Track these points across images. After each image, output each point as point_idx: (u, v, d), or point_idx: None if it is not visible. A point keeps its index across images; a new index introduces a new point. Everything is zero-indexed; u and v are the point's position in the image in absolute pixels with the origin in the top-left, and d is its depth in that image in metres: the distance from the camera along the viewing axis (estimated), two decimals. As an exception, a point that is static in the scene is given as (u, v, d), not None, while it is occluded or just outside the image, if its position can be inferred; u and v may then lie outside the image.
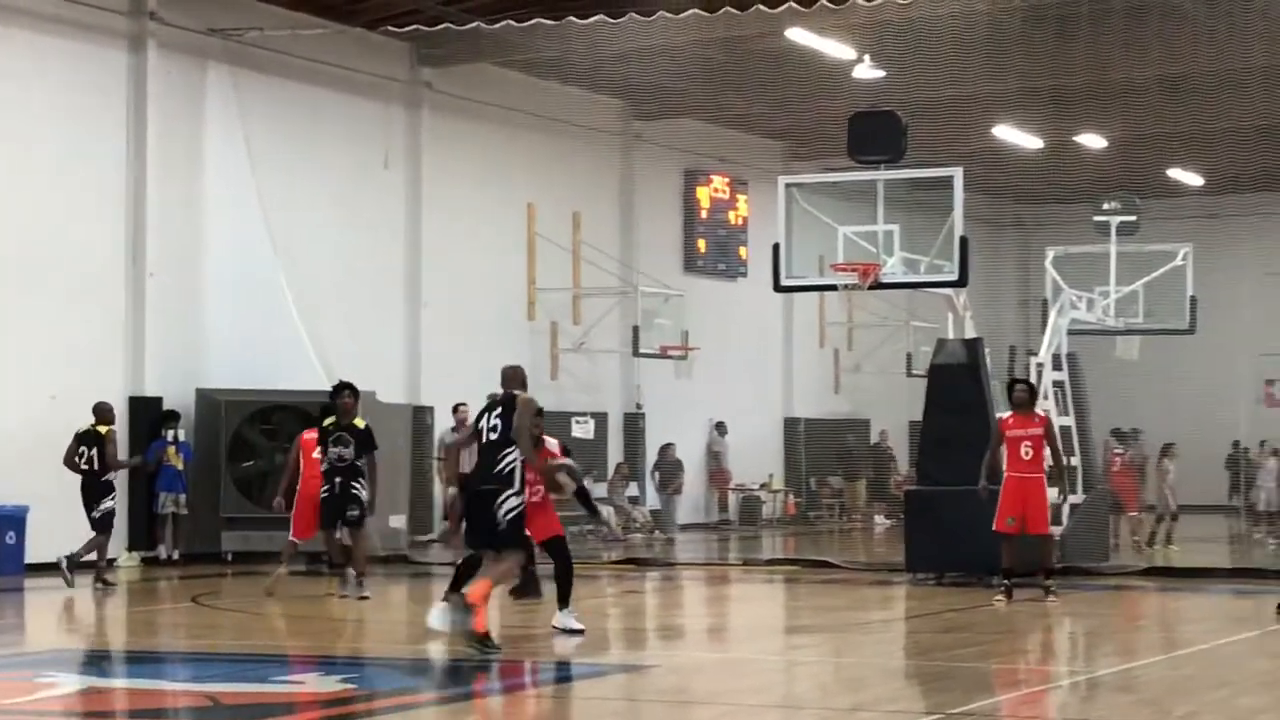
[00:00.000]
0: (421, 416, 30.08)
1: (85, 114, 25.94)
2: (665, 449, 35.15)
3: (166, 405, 26.39)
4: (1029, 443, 20.03)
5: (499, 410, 15.61)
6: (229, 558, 26.20)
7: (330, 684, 14.22)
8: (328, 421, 20.78)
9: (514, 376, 15.95)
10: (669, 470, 35.00)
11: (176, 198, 26.90)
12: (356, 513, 20.55)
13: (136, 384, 26.29)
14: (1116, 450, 30.79)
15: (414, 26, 27.95)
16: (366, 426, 20.74)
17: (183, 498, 26.17)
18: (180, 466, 26.15)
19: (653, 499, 35.12)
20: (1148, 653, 16.11)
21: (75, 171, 25.74)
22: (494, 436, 15.45)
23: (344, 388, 20.90)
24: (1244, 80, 30.88)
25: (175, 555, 26.19)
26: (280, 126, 28.40)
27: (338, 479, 20.53)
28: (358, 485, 20.56)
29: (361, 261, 29.84)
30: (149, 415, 26.20)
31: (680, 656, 16.68)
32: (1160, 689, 14.20)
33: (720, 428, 37.26)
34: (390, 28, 28.47)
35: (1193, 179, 40.10)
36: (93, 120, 26.02)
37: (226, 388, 26.86)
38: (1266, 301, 42.49)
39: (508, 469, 15.31)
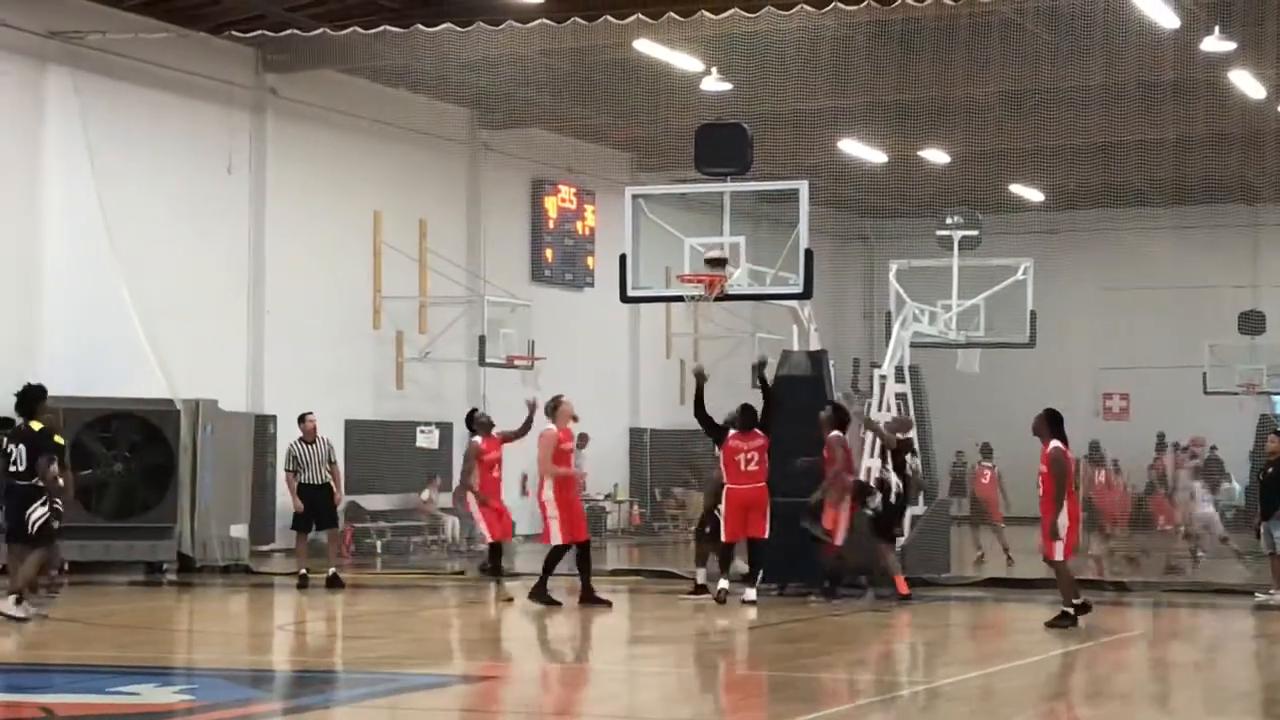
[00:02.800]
0: (264, 425, 29.80)
1: (-79, 115, 25.50)
2: None
3: (2, 413, 25.91)
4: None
5: None
6: (65, 567, 25.76)
7: (167, 695, 14.05)
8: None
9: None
10: None
11: (15, 201, 26.49)
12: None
13: (-29, 390, 25.81)
14: (986, 464, 31.26)
15: (259, 32, 27.72)
16: (42, 429, 19.36)
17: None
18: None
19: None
20: (985, 663, 16.30)
21: (-90, 173, 25.29)
22: None
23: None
24: (1083, 98, 31.41)
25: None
26: (122, 131, 28.03)
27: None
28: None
29: (204, 268, 29.51)
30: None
31: (522, 667, 16.66)
32: (996, 699, 14.38)
33: (581, 439, 37.22)
34: (234, 33, 28.19)
35: (1033, 194, 40.68)
36: (-71, 121, 25.59)
37: (65, 395, 26.42)
38: (1104, 316, 43.23)
39: None
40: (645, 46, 28.11)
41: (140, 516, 26.08)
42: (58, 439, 19.51)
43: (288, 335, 30.63)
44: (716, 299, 22.60)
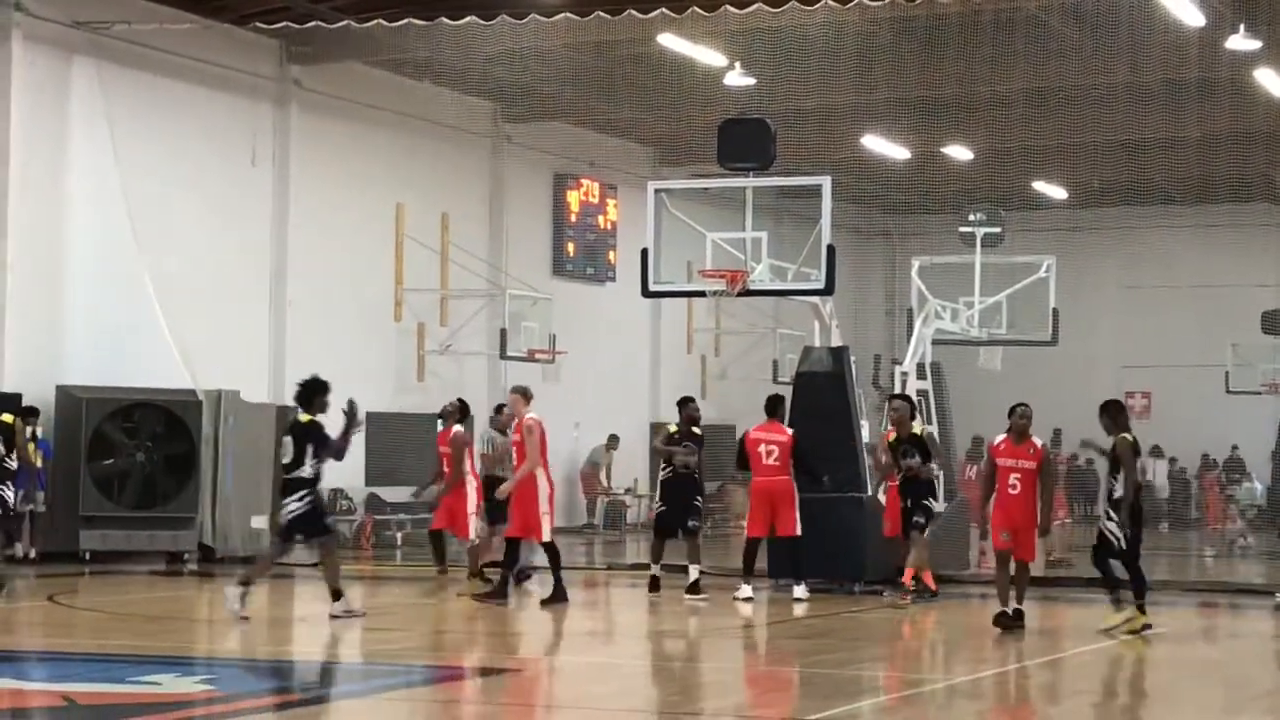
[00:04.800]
0: (285, 416, 29.76)
1: (-54, 105, 25.56)
2: None
3: (26, 402, 26.00)
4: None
5: None
6: (87, 556, 25.88)
7: (188, 685, 14.09)
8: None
9: None
10: None
11: (39, 191, 26.55)
12: None
13: (-5, 379, 25.92)
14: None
15: (283, 23, 27.70)
16: (310, 422, 18.81)
17: (40, 495, 25.82)
18: (39, 464, 25.78)
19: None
20: (1004, 661, 16.29)
21: (-65, 163, 25.36)
22: None
23: None
24: (1108, 96, 31.36)
25: (32, 554, 25.83)
26: (146, 121, 28.08)
27: None
28: None
29: (227, 259, 29.57)
30: (7, 411, 25.77)
31: (541, 660, 16.68)
32: (1016, 697, 14.38)
33: (612, 440, 37.32)
34: (259, 24, 28.20)
35: (1057, 192, 40.61)
36: (-46, 111, 25.65)
37: (88, 385, 26.53)
38: (1127, 314, 43.18)
39: None
40: (669, 41, 28.10)
41: (162, 507, 26.17)
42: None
43: (310, 327, 30.68)
44: (738, 294, 22.58)
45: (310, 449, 18.30)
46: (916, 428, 21.33)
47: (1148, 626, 17.88)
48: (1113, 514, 17.98)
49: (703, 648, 17.87)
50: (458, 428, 22.07)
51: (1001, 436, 18.18)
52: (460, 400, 23.14)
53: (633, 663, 16.60)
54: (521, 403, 20.31)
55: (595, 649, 17.75)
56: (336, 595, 18.49)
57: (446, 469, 22.21)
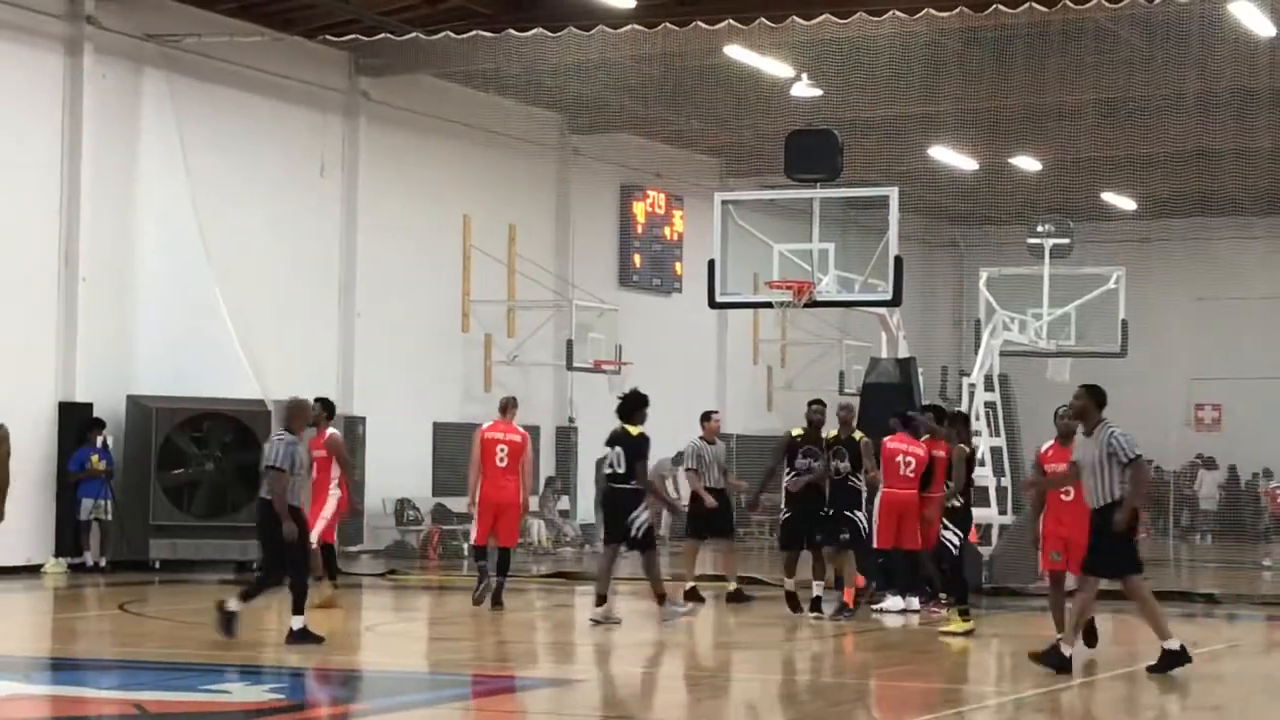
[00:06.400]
0: (353, 426, 29.99)
1: (20, 117, 25.78)
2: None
3: (97, 412, 26.23)
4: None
5: None
6: (156, 565, 26.05)
7: (257, 693, 14.15)
8: None
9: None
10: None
11: (110, 202, 26.76)
12: None
13: (67, 389, 26.11)
14: None
15: (352, 36, 27.89)
16: (640, 434, 19.28)
17: (107, 504, 25.99)
18: (105, 473, 25.98)
19: (585, 513, 35.09)
20: (1073, 675, 16.17)
21: (9, 174, 25.58)
22: None
23: None
24: (1178, 106, 31.16)
25: (102, 562, 26.02)
26: (216, 133, 28.27)
27: None
28: None
29: (296, 270, 29.74)
30: (79, 421, 26.04)
31: (609, 671, 16.68)
32: (1084, 712, 14.29)
33: (678, 459, 37.23)
34: (328, 37, 28.38)
35: (1126, 203, 40.40)
36: (28, 124, 25.86)
37: (157, 394, 26.72)
38: (1197, 326, 42.89)
39: None
40: (736, 52, 28.11)
41: (231, 516, 26.29)
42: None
43: (377, 337, 30.82)
44: (805, 305, 22.54)
45: (638, 462, 18.96)
46: (856, 435, 20.61)
47: (970, 632, 18.58)
48: (949, 524, 18.93)
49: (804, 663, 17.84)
50: (332, 430, 20.87)
51: (1049, 442, 17.06)
52: (322, 399, 21.12)
53: (699, 675, 16.58)
54: None
55: (650, 659, 17.75)
56: (662, 599, 19.18)
57: (316, 474, 20.40)
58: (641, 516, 18.96)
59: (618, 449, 19.00)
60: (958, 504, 19.11)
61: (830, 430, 20.77)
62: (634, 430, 19.01)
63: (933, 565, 19.75)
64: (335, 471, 20.44)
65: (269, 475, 16.48)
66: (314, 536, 19.90)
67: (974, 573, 23.14)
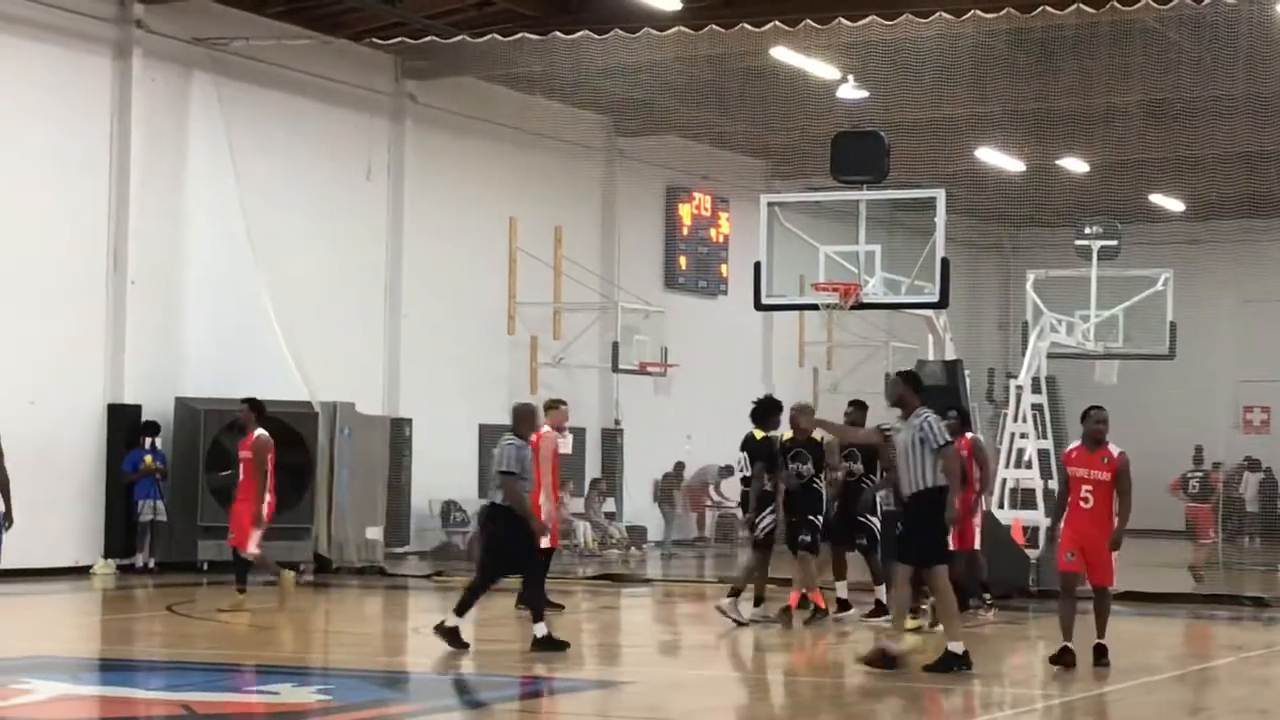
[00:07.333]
0: (400, 428, 30.06)
1: (69, 120, 25.91)
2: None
3: (146, 414, 26.35)
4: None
5: None
6: (205, 567, 26.15)
7: (305, 695, 14.20)
8: None
9: None
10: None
11: (159, 205, 26.87)
12: None
13: (116, 392, 26.24)
14: None
15: (399, 39, 27.95)
16: (764, 438, 19.83)
17: (160, 504, 26.14)
18: (158, 474, 26.11)
19: (630, 514, 35.12)
20: (1121, 678, 16.10)
21: (58, 177, 25.71)
22: None
23: None
24: (1227, 107, 31.00)
25: (151, 563, 26.13)
26: (264, 136, 28.37)
27: None
28: None
29: (342, 272, 29.82)
30: (128, 423, 26.17)
31: (656, 673, 16.68)
32: (1132, 715, 14.23)
33: (725, 471, 37.20)
34: (375, 40, 28.46)
35: (1174, 204, 40.22)
36: (77, 127, 25.99)
37: (206, 396, 26.83)
38: (1245, 328, 42.64)
39: None
40: (781, 54, 28.07)
41: (277, 517, 26.31)
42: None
43: (424, 339, 30.88)
44: (851, 308, 22.50)
45: (761, 465, 19.56)
46: (816, 435, 20.23)
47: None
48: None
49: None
50: (261, 431, 20.61)
51: (1075, 443, 16.55)
52: (249, 399, 20.97)
53: (744, 676, 16.56)
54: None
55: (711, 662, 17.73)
56: (737, 594, 19.68)
57: (243, 476, 20.60)
58: (768, 519, 19.61)
59: (743, 454, 19.80)
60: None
61: (785, 432, 20.35)
62: (759, 434, 19.68)
63: (963, 567, 19.48)
64: (267, 473, 20.53)
65: (502, 481, 16.87)
66: (252, 545, 20.43)
67: (1020, 575, 23.13)
